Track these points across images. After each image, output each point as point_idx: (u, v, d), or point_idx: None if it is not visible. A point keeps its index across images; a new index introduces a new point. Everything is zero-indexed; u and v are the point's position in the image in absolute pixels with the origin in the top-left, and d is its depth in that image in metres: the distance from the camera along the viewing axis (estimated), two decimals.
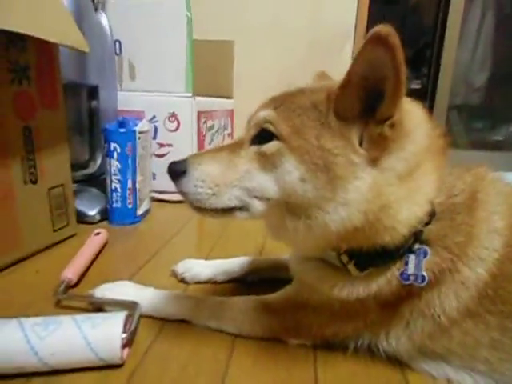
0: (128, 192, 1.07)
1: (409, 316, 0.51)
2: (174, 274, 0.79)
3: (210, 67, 1.85)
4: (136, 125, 1.08)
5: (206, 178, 0.50)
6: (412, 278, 0.48)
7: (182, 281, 0.78)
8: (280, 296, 0.62)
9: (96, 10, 1.19)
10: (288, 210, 0.48)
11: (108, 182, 1.07)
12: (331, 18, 2.26)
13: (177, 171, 0.51)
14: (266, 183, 0.48)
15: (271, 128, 0.48)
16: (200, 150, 1.42)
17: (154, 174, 1.33)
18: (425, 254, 0.48)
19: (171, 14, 1.27)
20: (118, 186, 1.06)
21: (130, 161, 1.06)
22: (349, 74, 0.43)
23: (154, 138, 1.34)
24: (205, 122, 1.46)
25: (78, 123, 1.14)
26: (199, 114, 1.38)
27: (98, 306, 0.64)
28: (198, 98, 1.38)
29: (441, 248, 0.48)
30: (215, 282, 0.78)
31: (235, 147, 0.52)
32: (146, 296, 0.66)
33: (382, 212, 0.45)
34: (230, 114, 1.92)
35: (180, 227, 1.12)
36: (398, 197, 0.45)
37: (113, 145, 1.04)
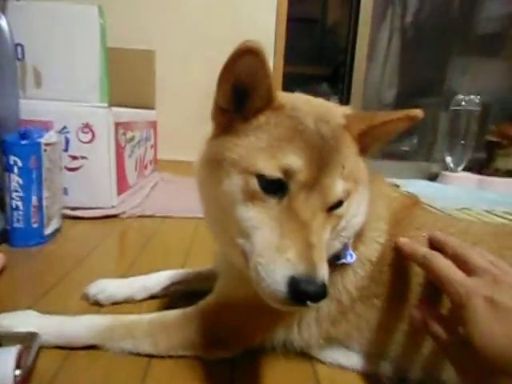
0: (32, 210, 0.97)
1: None
2: (86, 297, 0.73)
3: (130, 77, 1.78)
4: (41, 136, 0.99)
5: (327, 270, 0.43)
6: (343, 257, 0.53)
7: (96, 303, 0.72)
8: (201, 303, 0.61)
9: None
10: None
11: (8, 199, 0.96)
12: (252, 33, 2.34)
13: (320, 295, 0.40)
14: (331, 235, 0.49)
15: (344, 196, 0.48)
16: (119, 163, 1.35)
17: (65, 189, 1.23)
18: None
19: (83, 19, 1.20)
20: (19, 203, 0.95)
21: (34, 175, 0.96)
22: (375, 128, 0.52)
23: (66, 150, 1.24)
24: (124, 134, 1.39)
25: None
26: (117, 125, 1.31)
27: None
28: (116, 109, 1.31)
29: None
30: (134, 301, 0.74)
31: (320, 222, 0.45)
32: (50, 324, 0.60)
33: None
34: (153, 125, 1.87)
35: (95, 245, 1.04)
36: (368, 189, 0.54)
37: (12, 158, 0.93)
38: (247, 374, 0.57)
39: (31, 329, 0.58)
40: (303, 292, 0.39)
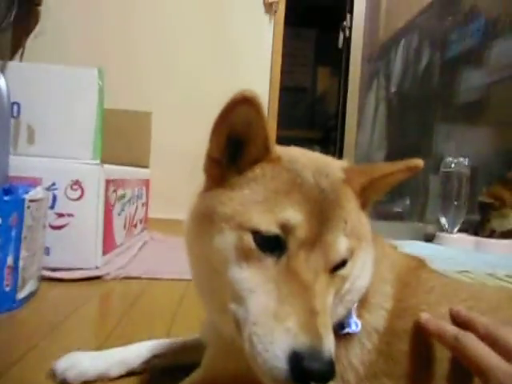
0: (6, 271, 0.90)
1: None
2: (53, 374, 0.64)
3: (126, 137, 1.81)
4: (26, 192, 0.95)
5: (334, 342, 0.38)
6: (346, 326, 0.47)
7: (63, 382, 0.63)
8: (186, 382, 0.53)
9: None
10: None
11: None
12: None
13: (329, 371, 0.34)
14: (335, 299, 0.44)
15: (348, 255, 0.43)
16: (107, 221, 1.30)
17: (47, 249, 1.16)
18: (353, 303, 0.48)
19: (82, 81, 1.24)
20: None
21: (13, 233, 0.91)
22: (376, 180, 0.49)
23: (52, 207, 1.19)
24: (114, 191, 1.37)
25: None
26: (108, 182, 1.29)
27: None
28: (107, 166, 1.29)
29: None
30: (109, 378, 0.65)
31: (323, 285, 0.40)
32: None
33: None
34: (146, 183, 1.85)
35: (72, 311, 0.95)
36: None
37: None
38: None
39: None
40: (308, 370, 0.33)
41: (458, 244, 1.93)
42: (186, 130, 2.26)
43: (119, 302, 1.08)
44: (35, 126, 1.22)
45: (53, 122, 1.22)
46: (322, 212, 0.42)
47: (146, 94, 2.16)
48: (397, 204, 3.05)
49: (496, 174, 2.50)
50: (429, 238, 2.04)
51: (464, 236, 1.97)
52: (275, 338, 0.35)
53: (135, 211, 1.68)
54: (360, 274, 0.47)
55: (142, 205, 1.81)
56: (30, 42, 1.98)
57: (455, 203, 1.97)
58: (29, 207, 0.94)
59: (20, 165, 1.16)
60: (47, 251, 1.16)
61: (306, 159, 0.48)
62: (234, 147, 0.46)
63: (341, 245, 0.41)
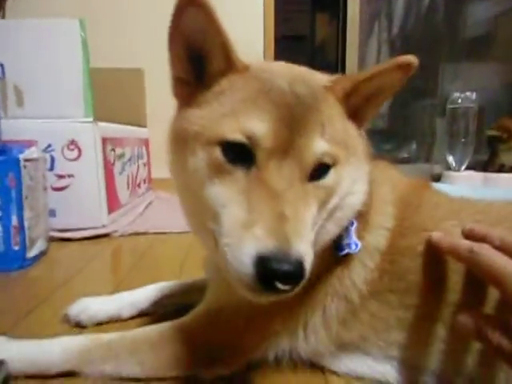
0: (13, 231, 0.90)
1: (324, 299, 0.49)
2: (67, 319, 0.65)
3: (120, 96, 1.75)
4: (21, 152, 0.94)
5: (312, 254, 0.36)
6: (346, 247, 0.47)
7: (78, 325, 0.65)
8: (191, 314, 0.53)
9: None
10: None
11: None
12: (239, 50, 2.34)
13: (295, 274, 0.33)
14: (322, 213, 0.42)
15: (328, 160, 0.41)
16: (108, 180, 1.29)
17: (53, 211, 1.17)
18: (352, 224, 0.48)
19: (64, 34, 1.17)
20: None
21: (13, 194, 0.90)
22: (360, 83, 0.45)
23: (51, 169, 1.18)
24: (112, 150, 1.34)
25: None
26: (104, 140, 1.26)
27: None
28: (102, 124, 1.26)
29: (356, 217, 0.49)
30: (120, 320, 0.66)
31: (299, 193, 0.38)
32: (19, 349, 0.52)
33: None
34: (145, 142, 1.82)
35: (82, 267, 0.96)
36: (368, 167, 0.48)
37: None
38: None
39: (1, 356, 0.50)
40: (273, 272, 0.32)
41: (466, 181, 1.90)
42: None
43: (128, 256, 1.10)
44: (22, 86, 1.18)
45: (39, 80, 1.18)
46: (294, 117, 0.39)
47: (137, 50, 2.07)
48: (403, 150, 2.99)
49: (504, 110, 2.41)
50: (436, 178, 2.00)
51: (472, 173, 1.93)
52: (242, 244, 0.34)
53: (137, 171, 1.67)
54: (351, 189, 0.45)
55: (144, 165, 1.79)
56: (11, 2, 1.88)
57: (462, 140, 1.91)
58: (25, 167, 0.93)
59: (12, 128, 1.13)
60: (53, 213, 1.17)
61: (284, 69, 0.46)
62: (197, 63, 0.44)
63: (316, 148, 0.39)
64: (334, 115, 0.43)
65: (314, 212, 0.39)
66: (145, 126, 1.88)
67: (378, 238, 0.49)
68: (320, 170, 0.40)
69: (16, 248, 0.91)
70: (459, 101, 1.90)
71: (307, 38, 4.70)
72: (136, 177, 1.64)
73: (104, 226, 1.24)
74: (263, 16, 2.59)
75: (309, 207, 0.39)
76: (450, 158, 1.96)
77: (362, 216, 0.49)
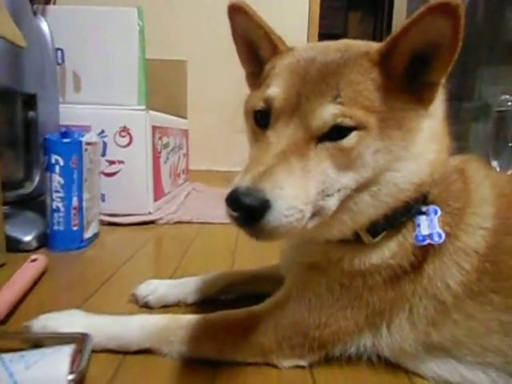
0: (73, 212, 0.93)
1: (411, 297, 0.48)
2: (135, 299, 0.67)
3: (163, 86, 1.77)
4: (82, 135, 0.96)
5: (295, 202, 0.39)
6: (427, 238, 0.46)
7: (145, 305, 0.66)
8: (270, 300, 0.53)
9: (35, 14, 1.09)
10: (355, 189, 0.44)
11: (48, 200, 0.92)
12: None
13: (255, 208, 0.37)
14: (343, 177, 0.43)
15: (348, 122, 0.42)
16: (155, 168, 1.31)
17: (102, 196, 1.19)
18: (435, 212, 0.47)
19: (122, 21, 1.19)
20: (60, 204, 0.91)
21: (75, 175, 0.92)
22: (397, 38, 0.43)
23: (103, 154, 1.20)
24: (160, 138, 1.36)
25: (10, 136, 0.99)
26: (154, 128, 1.28)
27: (36, 343, 0.50)
28: (153, 112, 1.28)
29: (443, 212, 0.48)
30: (186, 304, 0.67)
31: (298, 150, 0.41)
32: (100, 324, 0.53)
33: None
34: (185, 134, 1.84)
35: (135, 250, 0.98)
36: (432, 153, 0.47)
37: (54, 157, 0.90)
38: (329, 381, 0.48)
39: (79, 330, 0.51)
40: (233, 200, 0.38)
41: None
42: (221, 79, 2.20)
43: (176, 243, 1.11)
44: (79, 72, 1.21)
45: (96, 67, 1.20)
46: (307, 83, 0.43)
47: (180, 43, 2.08)
48: None
49: None
50: None
51: None
52: (229, 185, 0.40)
53: (178, 161, 1.69)
54: (391, 166, 0.44)
55: (184, 155, 1.81)
56: None
57: (510, 145, 1.85)
58: (86, 150, 0.95)
59: (69, 113, 1.16)
60: (102, 198, 1.19)
61: (330, 43, 0.49)
62: (257, 56, 0.53)
63: (323, 111, 0.41)
64: (362, 80, 0.43)
65: (326, 170, 0.42)
66: (185, 118, 1.89)
67: (477, 238, 0.47)
68: (340, 133, 0.42)
69: (75, 228, 0.93)
70: (508, 103, 1.83)
71: (341, 36, 4.67)
72: (177, 167, 1.66)
73: (150, 213, 1.26)
74: (308, 14, 2.58)
75: (310, 164, 0.41)
76: (495, 163, 1.90)
77: (457, 214, 0.48)
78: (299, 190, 0.40)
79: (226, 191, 0.40)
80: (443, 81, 0.45)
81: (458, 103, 2.88)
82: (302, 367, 0.50)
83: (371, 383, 0.49)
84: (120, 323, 0.53)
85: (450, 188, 0.50)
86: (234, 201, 0.38)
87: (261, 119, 0.46)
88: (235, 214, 0.38)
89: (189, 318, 0.53)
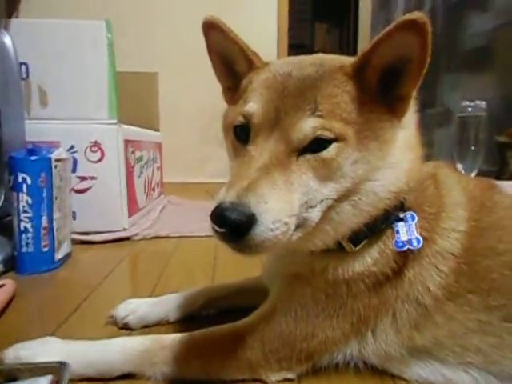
0: (43, 232, 0.88)
1: (394, 303, 0.48)
2: (113, 321, 0.64)
3: (134, 99, 1.74)
4: (51, 152, 0.92)
5: (280, 215, 0.40)
6: (407, 243, 0.47)
7: (125, 327, 0.63)
8: (255, 314, 0.52)
9: None
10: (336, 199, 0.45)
11: (16, 221, 0.87)
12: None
13: (241, 223, 0.37)
14: (325, 188, 0.44)
15: (328, 134, 0.43)
16: (129, 183, 1.28)
17: (74, 213, 1.14)
18: (413, 218, 0.49)
19: (90, 35, 1.17)
20: (28, 225, 0.87)
21: (44, 194, 0.88)
22: (368, 53, 0.44)
23: (74, 171, 1.16)
24: (133, 152, 1.33)
25: None
26: (126, 142, 1.25)
27: (9, 376, 0.46)
28: (125, 126, 1.25)
29: (419, 217, 0.49)
30: (168, 322, 0.65)
31: (280, 163, 0.42)
32: (77, 351, 0.50)
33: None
34: (159, 146, 1.81)
35: (111, 269, 0.94)
36: (407, 162, 0.48)
37: (21, 176, 0.85)
38: None
39: (55, 358, 0.48)
40: (218, 216, 0.38)
41: None
42: (193, 90, 2.19)
43: (154, 259, 1.08)
44: (46, 86, 1.16)
45: (64, 81, 1.17)
46: (284, 97, 0.44)
47: (150, 55, 2.06)
48: None
49: (508, 120, 2.45)
50: None
51: None
52: (212, 200, 0.40)
53: (152, 175, 1.65)
54: (370, 176, 0.45)
55: (157, 168, 1.78)
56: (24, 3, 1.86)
57: (472, 148, 1.94)
58: (56, 167, 0.91)
59: (35, 129, 1.11)
60: (74, 216, 1.15)
61: (305, 58, 0.50)
62: (233, 71, 0.54)
63: (302, 124, 0.42)
64: (339, 93, 0.44)
65: (309, 182, 0.43)
66: (158, 130, 1.87)
67: (452, 241, 0.48)
68: (320, 145, 0.43)
69: (45, 250, 0.89)
70: (469, 109, 1.93)
71: (307, 47, 4.78)
72: (151, 181, 1.63)
73: (125, 230, 1.22)
74: (277, 26, 2.62)
75: (293, 177, 0.42)
76: (460, 166, 1.99)
77: (432, 219, 0.49)
78: (284, 203, 0.40)
79: (210, 206, 0.39)
80: (414, 93, 0.47)
81: (422, 110, 3.01)
82: (290, 380, 0.50)
83: None
84: (99, 348, 0.51)
85: (424, 194, 0.52)
86: (220, 216, 0.37)
87: (241, 134, 0.47)
88: (221, 229, 0.38)
89: (172, 338, 0.51)
